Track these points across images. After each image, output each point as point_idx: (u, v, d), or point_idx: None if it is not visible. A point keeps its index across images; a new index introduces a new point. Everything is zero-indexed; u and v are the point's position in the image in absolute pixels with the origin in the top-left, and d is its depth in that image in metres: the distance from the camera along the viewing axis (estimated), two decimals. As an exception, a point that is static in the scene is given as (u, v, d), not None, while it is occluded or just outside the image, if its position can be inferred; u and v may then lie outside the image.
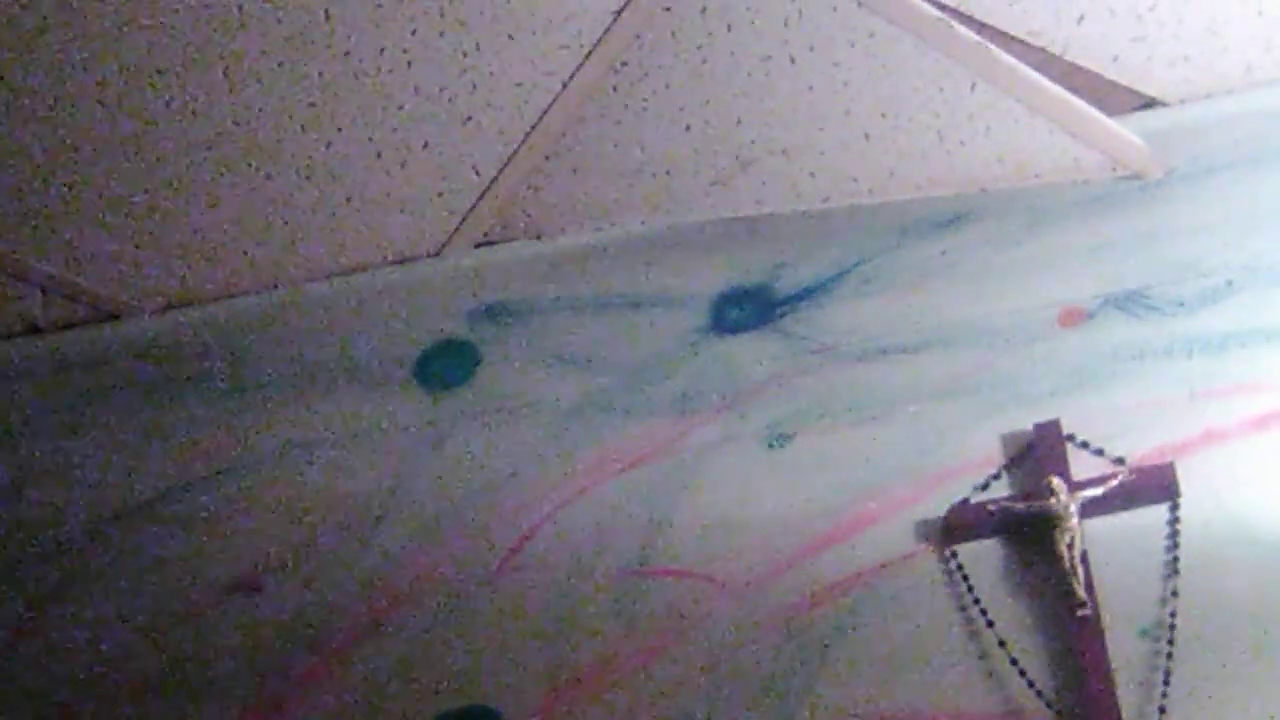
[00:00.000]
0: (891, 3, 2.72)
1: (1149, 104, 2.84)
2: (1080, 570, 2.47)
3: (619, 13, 2.74)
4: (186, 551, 2.87)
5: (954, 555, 2.58)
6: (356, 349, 3.01)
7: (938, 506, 2.61)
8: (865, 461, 2.69)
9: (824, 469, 2.70)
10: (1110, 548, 2.51)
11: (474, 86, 2.81)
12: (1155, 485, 2.52)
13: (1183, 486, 2.51)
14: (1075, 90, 2.79)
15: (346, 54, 2.75)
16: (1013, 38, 2.76)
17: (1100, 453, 2.58)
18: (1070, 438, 2.60)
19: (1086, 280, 2.73)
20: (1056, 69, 2.78)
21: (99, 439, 3.00)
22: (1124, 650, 2.44)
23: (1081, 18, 2.73)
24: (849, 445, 2.71)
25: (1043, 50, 2.77)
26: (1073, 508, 2.51)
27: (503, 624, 2.71)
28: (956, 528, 2.59)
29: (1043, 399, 2.65)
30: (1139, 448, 2.57)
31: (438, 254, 3.04)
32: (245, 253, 3.01)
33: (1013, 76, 2.76)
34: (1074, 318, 2.71)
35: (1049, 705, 2.44)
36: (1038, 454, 2.60)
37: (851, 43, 2.75)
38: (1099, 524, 2.52)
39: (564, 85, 2.82)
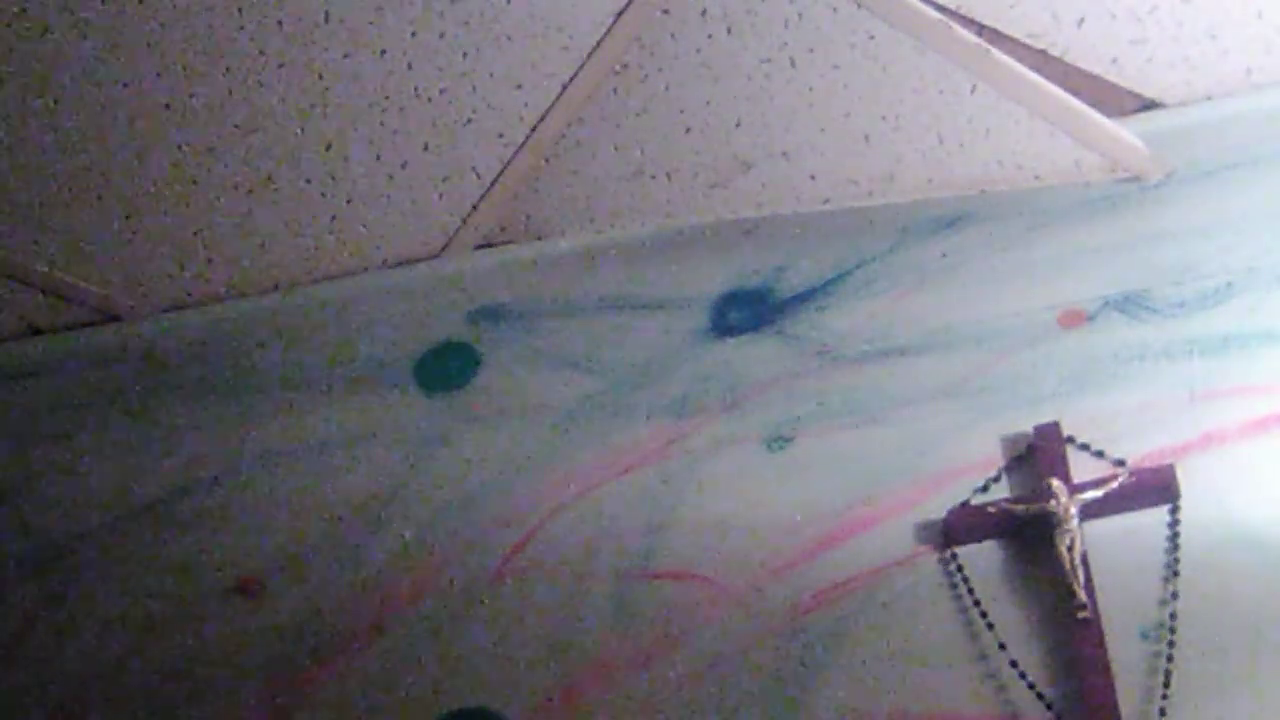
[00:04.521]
0: (892, 5, 2.72)
1: (1149, 106, 2.84)
2: (1080, 572, 2.47)
3: (619, 15, 2.74)
4: (187, 553, 2.87)
5: (954, 557, 2.57)
6: (356, 351, 3.01)
7: (938, 508, 2.61)
8: (865, 463, 2.69)
9: (824, 471, 2.70)
10: (1110, 550, 2.51)
11: (474, 88, 2.81)
12: (1155, 487, 2.52)
13: (1183, 488, 2.50)
14: (1075, 92, 2.79)
15: (346, 56, 2.75)
16: (1013, 40, 2.76)
17: (1100, 455, 2.58)
18: (1070, 440, 2.59)
19: (1086, 282, 2.73)
20: (1056, 71, 2.78)
21: (99, 441, 3.00)
22: (1124, 652, 2.43)
23: (1082, 20, 2.73)
24: (849, 447, 2.71)
25: (1043, 52, 2.77)
26: (1073, 510, 2.50)
27: (503, 626, 2.70)
28: (956, 530, 2.58)
29: (1042, 401, 2.65)
30: (1139, 450, 2.56)
31: (437, 256, 3.04)
32: (245, 254, 3.02)
33: (1013, 79, 2.76)
34: (1074, 319, 2.71)
35: (1049, 707, 2.44)
36: (1038, 456, 2.60)
37: (851, 45, 2.75)
38: (1099, 526, 2.52)
39: (564, 87, 2.82)
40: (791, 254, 2.90)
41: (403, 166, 2.90)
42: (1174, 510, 2.51)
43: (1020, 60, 2.76)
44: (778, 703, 2.54)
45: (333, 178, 2.91)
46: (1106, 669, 2.41)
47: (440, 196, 2.96)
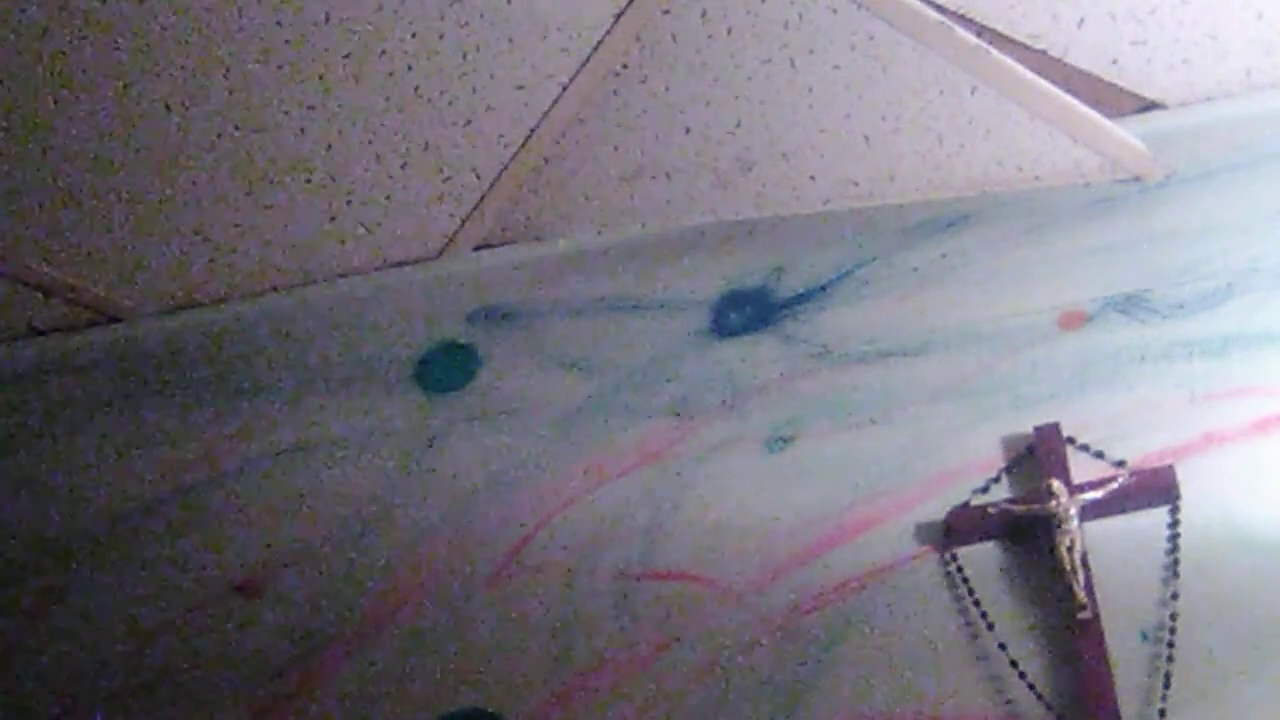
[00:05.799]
0: (892, 6, 2.72)
1: (1149, 107, 2.84)
2: (1081, 573, 2.47)
3: (619, 15, 2.74)
4: (187, 553, 2.86)
5: (954, 558, 2.58)
6: (356, 352, 3.00)
7: (938, 509, 2.61)
8: (865, 464, 2.69)
9: (824, 472, 2.70)
10: (1111, 550, 2.52)
11: (474, 89, 2.81)
12: (1155, 488, 2.52)
13: (1183, 489, 2.51)
14: (1075, 93, 2.79)
15: (347, 56, 2.75)
16: (1013, 41, 2.76)
17: (1100, 455, 2.58)
18: (1070, 440, 2.60)
19: (1086, 283, 2.74)
20: (1057, 72, 2.78)
21: (99, 441, 2.99)
22: (1124, 653, 2.44)
23: (1082, 21, 2.73)
24: (849, 448, 2.71)
25: (1043, 53, 2.77)
26: (1073, 510, 2.51)
27: (502, 627, 2.70)
28: (957, 530, 2.59)
29: (1043, 402, 2.66)
30: (1139, 450, 2.57)
31: (438, 256, 3.04)
32: (246, 255, 3.01)
33: (1013, 79, 2.76)
34: (1074, 320, 2.72)
35: (1049, 708, 2.44)
36: (1038, 457, 2.60)
37: (852, 46, 2.75)
38: (1099, 527, 2.53)
39: (564, 88, 2.82)
40: (791, 254, 2.90)
41: (403, 166, 2.90)
42: (1174, 511, 2.51)
43: (1020, 61, 2.76)
44: (778, 704, 2.55)
45: (333, 178, 2.90)
46: (1106, 669, 2.42)
47: (440, 196, 2.95)
